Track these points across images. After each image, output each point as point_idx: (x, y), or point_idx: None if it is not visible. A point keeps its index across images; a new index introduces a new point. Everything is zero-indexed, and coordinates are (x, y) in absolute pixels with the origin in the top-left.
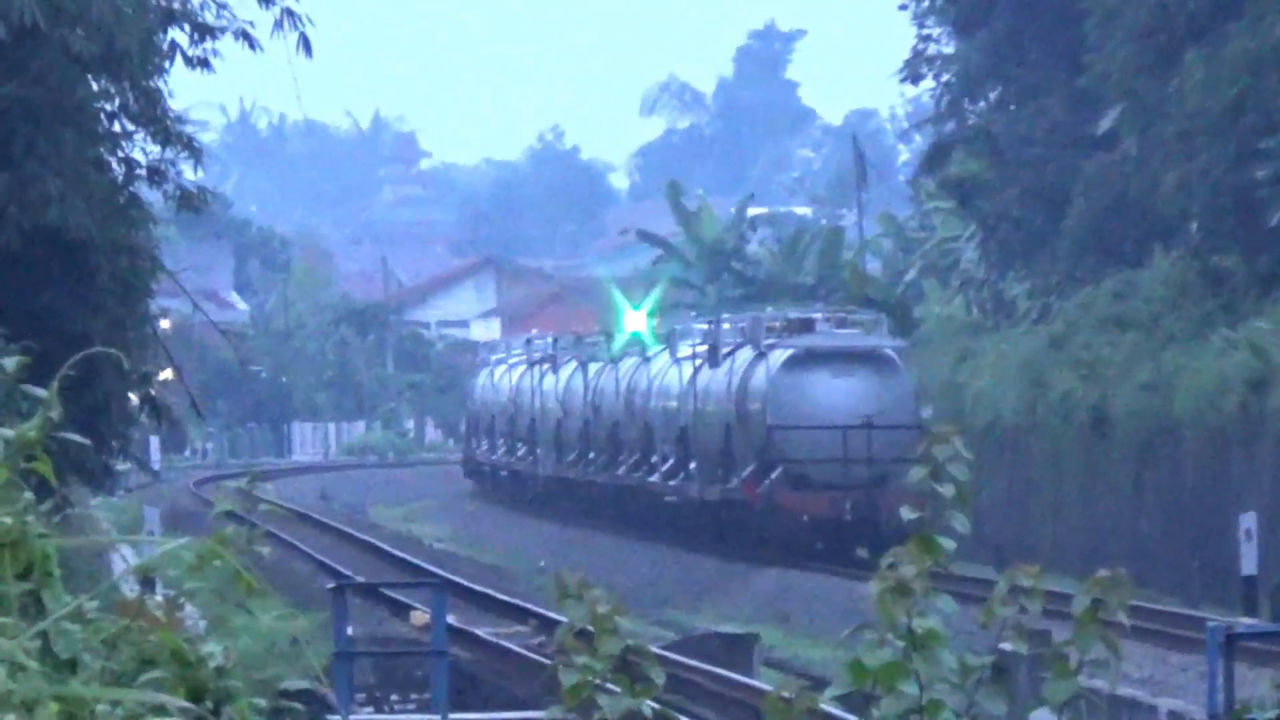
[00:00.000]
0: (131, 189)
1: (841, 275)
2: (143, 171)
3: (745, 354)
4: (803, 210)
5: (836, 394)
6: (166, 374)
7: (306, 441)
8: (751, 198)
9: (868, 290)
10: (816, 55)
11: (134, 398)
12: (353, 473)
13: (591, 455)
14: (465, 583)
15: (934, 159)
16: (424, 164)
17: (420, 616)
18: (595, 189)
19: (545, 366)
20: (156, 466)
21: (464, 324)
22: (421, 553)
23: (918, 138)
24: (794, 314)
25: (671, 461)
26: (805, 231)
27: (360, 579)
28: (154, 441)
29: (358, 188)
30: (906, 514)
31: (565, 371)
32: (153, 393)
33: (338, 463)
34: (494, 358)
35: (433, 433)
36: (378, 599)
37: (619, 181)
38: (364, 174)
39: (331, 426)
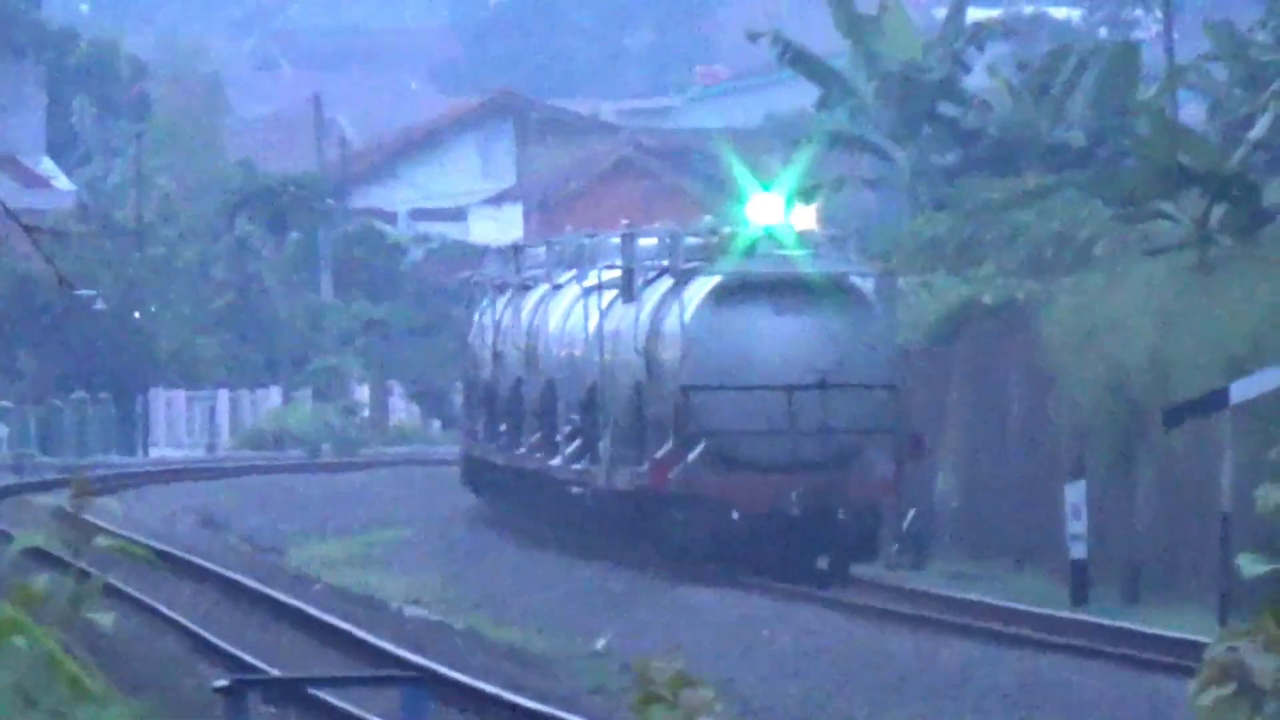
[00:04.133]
0: None
1: (1135, 127)
2: None
3: (663, 284)
4: (1065, 12)
5: (780, 340)
6: None
7: (177, 424)
8: None
9: (1182, 155)
10: None
11: None
12: (261, 480)
13: (502, 428)
14: (465, 679)
15: None
16: None
17: None
18: None
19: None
20: None
21: (459, 214)
22: (386, 624)
23: None
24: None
25: (578, 437)
26: (1071, 49)
27: (274, 671)
28: None
29: None
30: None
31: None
32: None
33: (234, 462)
34: (513, 275)
35: (403, 408)
36: (305, 708)
37: None
38: None
39: (223, 397)
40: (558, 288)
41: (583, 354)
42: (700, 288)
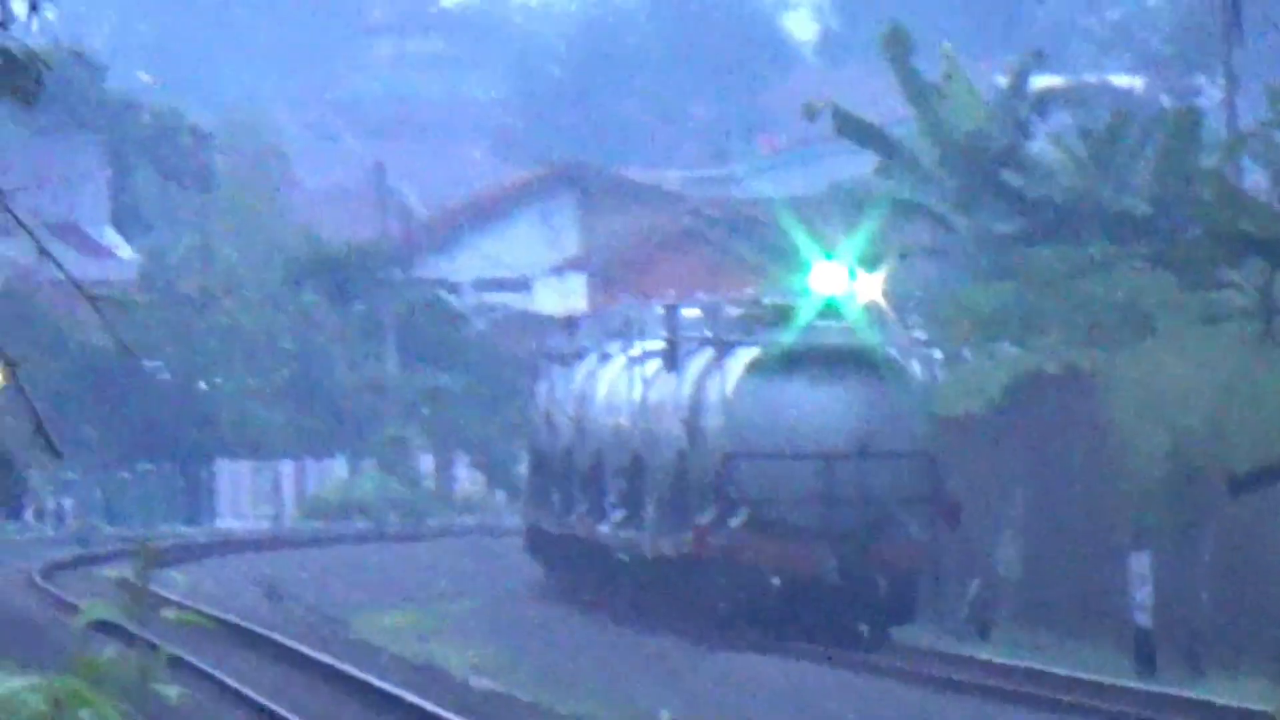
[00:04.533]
0: None
1: (1198, 196)
2: None
3: (705, 355)
4: (1128, 80)
5: (818, 409)
6: None
7: (242, 494)
8: (1039, 57)
9: (1245, 223)
10: None
11: None
12: (326, 550)
13: (555, 496)
14: None
15: None
16: None
17: None
18: (758, 42)
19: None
20: None
21: (523, 284)
22: (451, 695)
23: None
24: (771, 299)
25: (624, 505)
26: (1134, 117)
27: None
28: None
29: (333, 41)
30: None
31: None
32: None
33: (299, 532)
34: (566, 346)
35: (468, 477)
36: None
37: (800, 29)
38: (344, 14)
39: (287, 468)
40: (606, 358)
41: (628, 423)
42: (741, 359)
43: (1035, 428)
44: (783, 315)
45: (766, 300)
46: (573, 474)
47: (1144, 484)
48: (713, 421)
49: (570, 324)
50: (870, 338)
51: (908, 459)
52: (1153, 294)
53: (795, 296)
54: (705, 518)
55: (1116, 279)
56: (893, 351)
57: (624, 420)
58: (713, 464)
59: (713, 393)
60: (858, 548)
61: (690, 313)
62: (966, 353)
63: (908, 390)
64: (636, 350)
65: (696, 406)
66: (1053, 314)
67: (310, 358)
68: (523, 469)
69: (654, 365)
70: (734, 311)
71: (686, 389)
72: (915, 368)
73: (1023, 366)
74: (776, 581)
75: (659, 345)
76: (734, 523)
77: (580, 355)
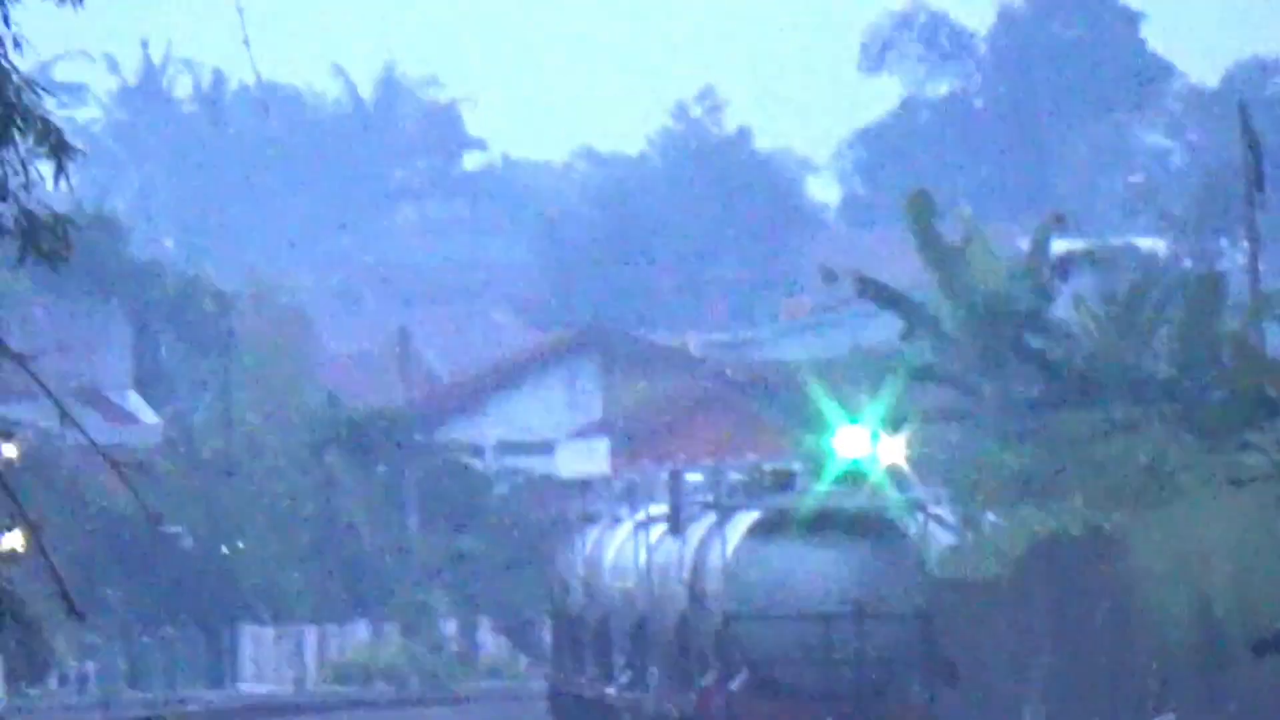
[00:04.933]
0: None
1: (1221, 358)
2: None
3: (707, 520)
4: (1151, 243)
5: (816, 571)
6: (14, 540)
7: (265, 658)
8: (1060, 221)
9: (1268, 386)
10: None
11: None
12: (349, 715)
13: (568, 658)
14: None
15: None
16: (473, 161)
17: None
18: (781, 205)
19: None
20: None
21: (547, 446)
22: None
23: None
24: (771, 465)
25: (630, 666)
26: (1156, 280)
27: None
28: None
29: (357, 204)
30: None
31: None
32: None
33: (322, 697)
34: (615, 510)
35: (491, 641)
36: None
37: (822, 191)
38: (367, 179)
39: (310, 632)
40: (616, 522)
41: (634, 586)
42: (741, 523)
43: (1058, 589)
44: (782, 480)
45: (766, 466)
46: (583, 636)
47: (1168, 645)
48: (714, 584)
49: (584, 488)
50: (867, 501)
51: (905, 620)
52: (1176, 456)
53: (801, 461)
54: (707, 679)
55: (1139, 441)
56: (890, 515)
57: (630, 583)
58: (714, 625)
59: (714, 556)
60: (857, 708)
61: (693, 477)
62: (990, 515)
63: (905, 552)
64: (642, 515)
65: (698, 569)
66: (1075, 476)
67: (333, 521)
68: (546, 633)
69: (659, 529)
70: (735, 476)
71: (689, 552)
72: (916, 530)
73: (1045, 528)
74: None
75: (663, 509)
76: (735, 684)
77: (592, 520)
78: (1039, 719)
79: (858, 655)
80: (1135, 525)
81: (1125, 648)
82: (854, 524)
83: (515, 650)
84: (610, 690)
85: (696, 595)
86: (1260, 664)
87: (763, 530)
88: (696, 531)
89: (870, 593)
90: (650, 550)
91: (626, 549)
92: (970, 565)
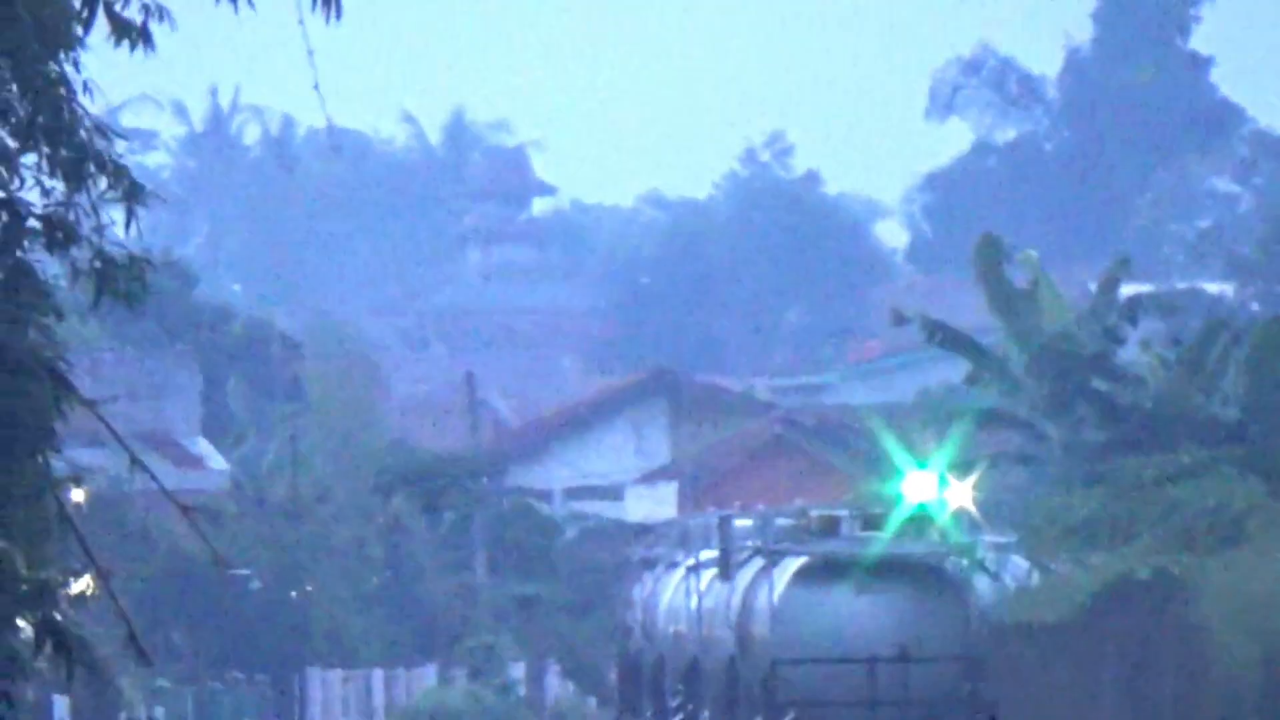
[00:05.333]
0: (16, 255)
1: None
2: (35, 225)
3: (755, 564)
4: (1219, 287)
5: (861, 615)
6: (83, 584)
7: (333, 703)
8: (1127, 264)
9: None
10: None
11: (22, 624)
12: None
13: (629, 702)
14: None
15: None
16: (542, 206)
17: None
18: (850, 250)
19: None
20: None
21: (615, 491)
22: None
23: None
24: (818, 510)
25: (682, 710)
26: (1224, 324)
27: None
28: (60, 705)
29: (425, 249)
30: None
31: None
32: (56, 617)
33: None
34: (672, 555)
35: (559, 685)
36: None
37: (891, 235)
38: (435, 224)
39: (378, 676)
40: (672, 566)
41: (686, 629)
42: (788, 567)
43: (1125, 635)
44: (828, 526)
45: (813, 511)
46: (642, 679)
47: (1236, 691)
48: (760, 627)
49: (643, 533)
50: (912, 546)
51: (949, 662)
52: (1243, 500)
53: (872, 505)
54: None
55: (1207, 485)
56: (935, 560)
57: (683, 626)
58: (761, 669)
59: (761, 599)
60: None
61: (743, 523)
62: (1059, 561)
63: (951, 597)
64: (693, 560)
65: (746, 613)
66: (1142, 520)
67: (400, 566)
68: (613, 676)
69: (710, 574)
70: (783, 522)
71: (737, 596)
72: (965, 575)
73: (1113, 572)
74: None
75: (714, 554)
76: None
77: (652, 564)
78: None
79: (902, 699)
80: (1203, 570)
81: (1192, 693)
82: (901, 569)
83: (582, 694)
84: None
85: (744, 639)
86: None
87: (809, 576)
88: (745, 576)
89: (915, 637)
90: (701, 594)
91: (679, 593)
92: (1037, 609)
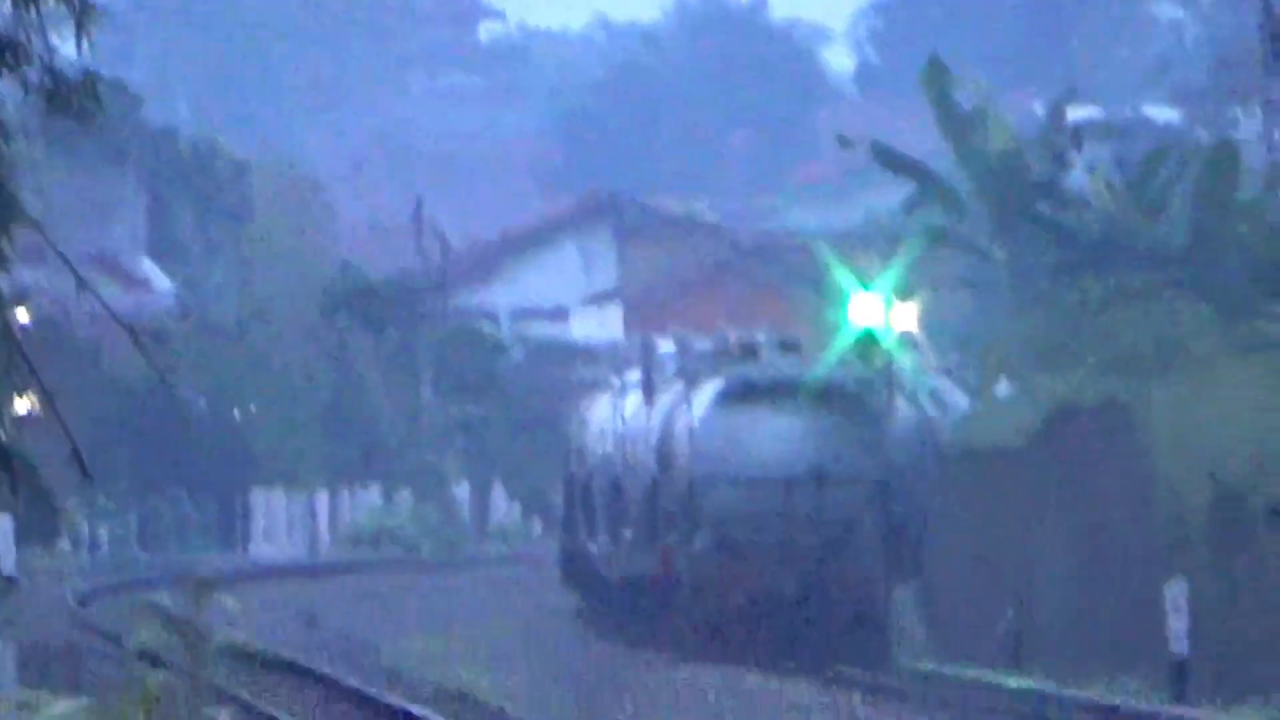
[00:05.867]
0: None
1: (1235, 228)
2: None
3: (676, 388)
4: (1165, 113)
5: (778, 438)
6: (26, 404)
7: (276, 523)
8: (1074, 92)
9: None
10: None
11: None
12: (361, 578)
13: (565, 518)
14: None
15: None
16: (488, 29)
17: None
18: (797, 75)
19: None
20: (11, 569)
21: (561, 313)
22: None
23: None
24: (736, 334)
25: (608, 526)
26: (1170, 150)
27: None
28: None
29: (369, 72)
30: None
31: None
32: (1, 438)
33: (334, 561)
34: (617, 377)
35: (504, 508)
36: None
37: (838, 60)
38: (380, 47)
39: (322, 498)
40: (604, 390)
41: (612, 450)
42: (707, 390)
43: (1072, 458)
44: (747, 350)
45: (732, 336)
46: (575, 498)
47: (1181, 513)
48: (680, 449)
49: (590, 355)
50: (827, 370)
51: (862, 485)
52: (1189, 325)
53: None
54: (672, 538)
55: (1153, 310)
56: (851, 384)
57: (610, 447)
58: (680, 488)
59: (680, 422)
60: (815, 567)
61: (667, 346)
62: (1003, 384)
63: (864, 419)
64: (622, 382)
65: (666, 435)
66: (1088, 345)
67: (346, 387)
68: (558, 497)
69: (634, 396)
70: (704, 346)
71: (657, 419)
72: (880, 400)
73: (1059, 398)
74: (738, 599)
75: (638, 377)
76: (697, 543)
77: (595, 386)
78: (1051, 585)
79: (816, 518)
80: (1148, 395)
81: (1139, 515)
82: (815, 393)
83: (527, 515)
84: (592, 548)
85: (664, 460)
86: (1273, 531)
87: (727, 399)
88: (665, 399)
89: (830, 458)
90: (627, 416)
91: (607, 415)
92: (983, 434)
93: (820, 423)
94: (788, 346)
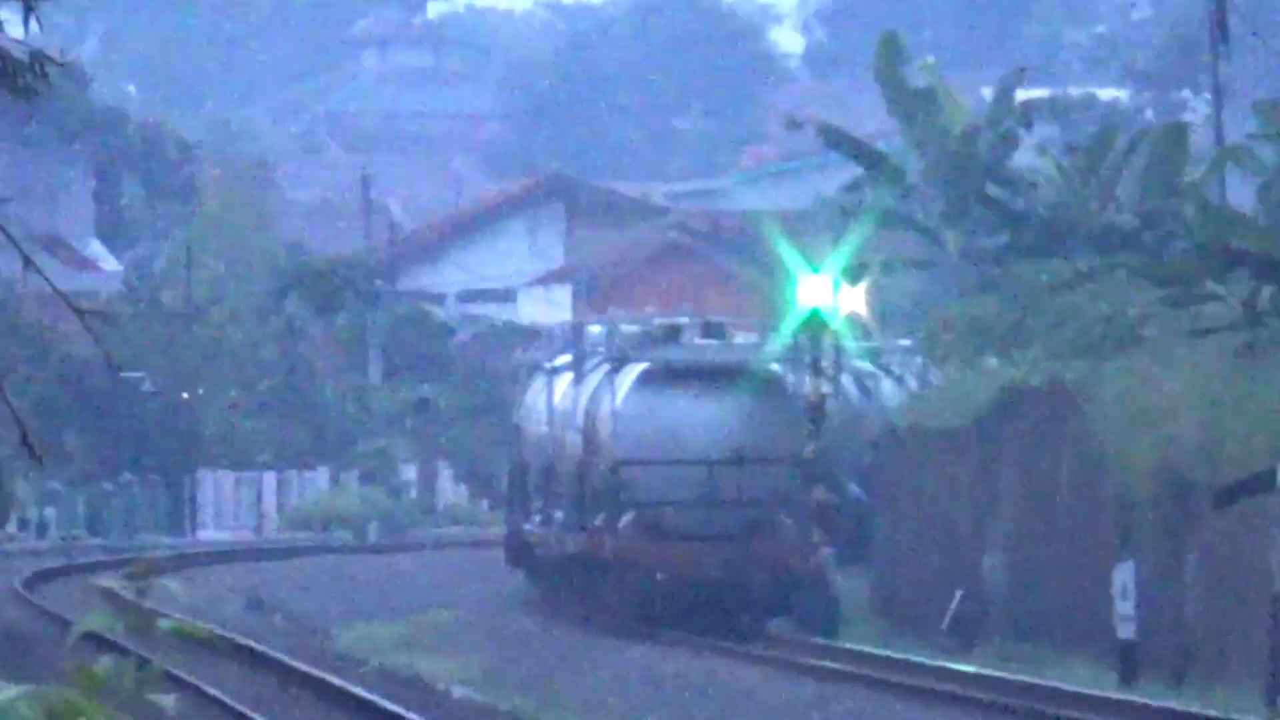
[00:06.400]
0: None
1: (1184, 209)
2: None
3: (602, 370)
4: (1114, 93)
5: (700, 420)
6: None
7: (224, 506)
8: (1022, 71)
9: (1230, 237)
10: None
11: None
12: (308, 562)
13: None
14: None
15: None
16: (436, 8)
17: None
18: (746, 56)
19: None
20: None
21: (508, 296)
22: (433, 706)
23: None
24: (661, 318)
25: (542, 507)
26: (1119, 131)
27: None
28: None
29: (318, 51)
30: None
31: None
32: None
33: (281, 544)
34: (562, 360)
35: (451, 489)
36: None
37: (789, 42)
38: (329, 27)
39: (269, 479)
40: (540, 372)
41: (545, 431)
42: (630, 373)
43: (1021, 441)
44: (670, 332)
45: (656, 319)
46: (515, 480)
47: (1129, 496)
48: (604, 430)
49: (534, 337)
50: (749, 353)
51: (783, 465)
52: (1138, 307)
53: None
54: (598, 520)
55: (1102, 292)
56: (770, 367)
57: (543, 428)
58: (605, 470)
59: (605, 404)
60: (738, 547)
61: (595, 329)
62: (951, 365)
63: (785, 401)
64: (554, 365)
65: (591, 416)
66: (1038, 327)
67: (294, 369)
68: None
69: (566, 378)
70: (630, 329)
71: (584, 400)
72: (792, 381)
73: (1008, 379)
74: (663, 579)
75: (569, 360)
76: (623, 524)
77: (535, 369)
78: (1000, 568)
79: (739, 498)
80: (1098, 377)
81: (1087, 498)
82: (736, 375)
83: (475, 497)
84: (528, 528)
85: (590, 441)
86: (1222, 514)
87: (650, 380)
88: (591, 381)
89: (752, 440)
90: (556, 398)
91: (540, 396)
92: (931, 415)
93: (741, 405)
94: (711, 330)
